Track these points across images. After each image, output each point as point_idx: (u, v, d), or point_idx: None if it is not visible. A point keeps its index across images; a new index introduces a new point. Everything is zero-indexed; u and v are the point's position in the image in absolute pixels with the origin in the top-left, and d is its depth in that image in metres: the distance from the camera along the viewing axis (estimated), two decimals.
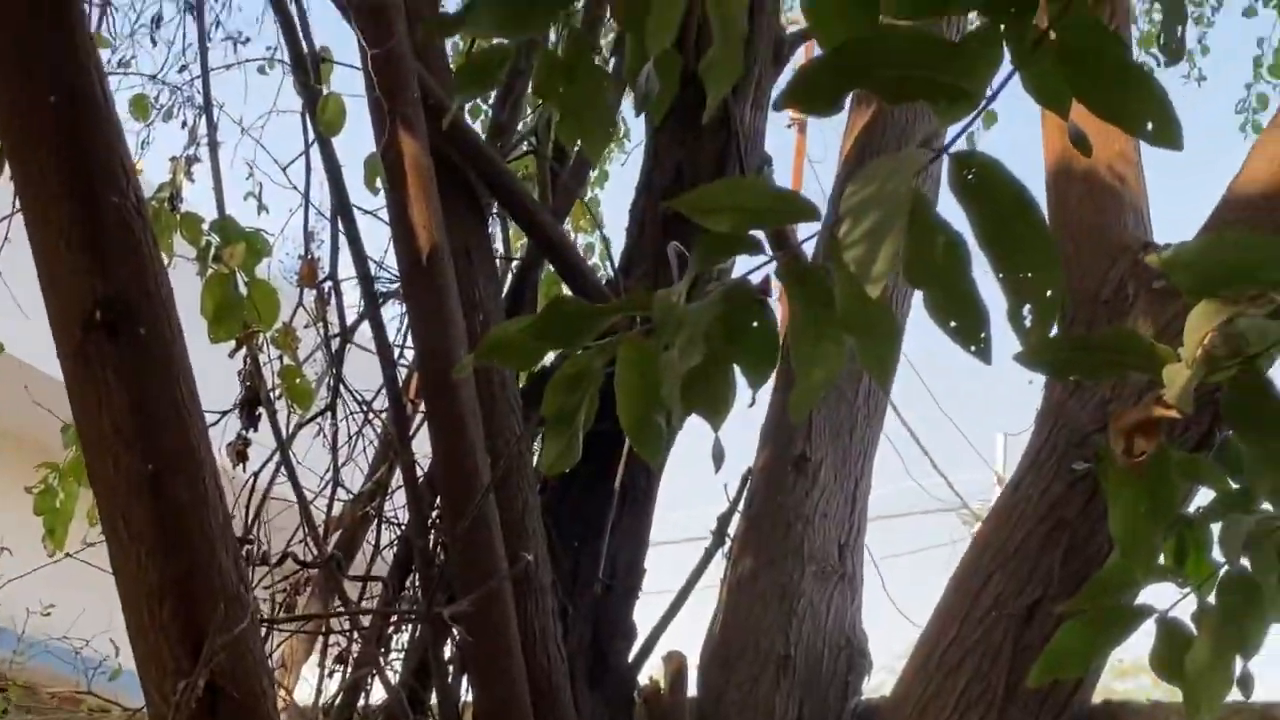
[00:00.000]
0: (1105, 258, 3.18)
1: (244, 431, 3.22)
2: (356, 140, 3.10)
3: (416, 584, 3.19)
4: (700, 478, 3.78)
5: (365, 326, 3.28)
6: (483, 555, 2.70)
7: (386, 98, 2.70)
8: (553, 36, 2.57)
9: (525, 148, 3.78)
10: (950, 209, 1.42)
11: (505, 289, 3.49)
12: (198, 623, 2.03)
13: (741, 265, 1.54)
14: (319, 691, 3.16)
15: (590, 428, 1.65)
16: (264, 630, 2.88)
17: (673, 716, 2.79)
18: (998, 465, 13.93)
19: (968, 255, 1.44)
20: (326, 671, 3.21)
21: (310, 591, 3.46)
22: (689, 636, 3.46)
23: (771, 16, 3.87)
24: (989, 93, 1.38)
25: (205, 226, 3.17)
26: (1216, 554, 1.84)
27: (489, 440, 2.86)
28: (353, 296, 3.42)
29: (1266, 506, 1.75)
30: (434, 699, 3.08)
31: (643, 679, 3.29)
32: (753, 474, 3.60)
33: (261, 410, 3.18)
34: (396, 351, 3.25)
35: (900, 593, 4.57)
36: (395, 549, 3.36)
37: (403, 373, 3.31)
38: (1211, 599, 1.86)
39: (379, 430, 3.52)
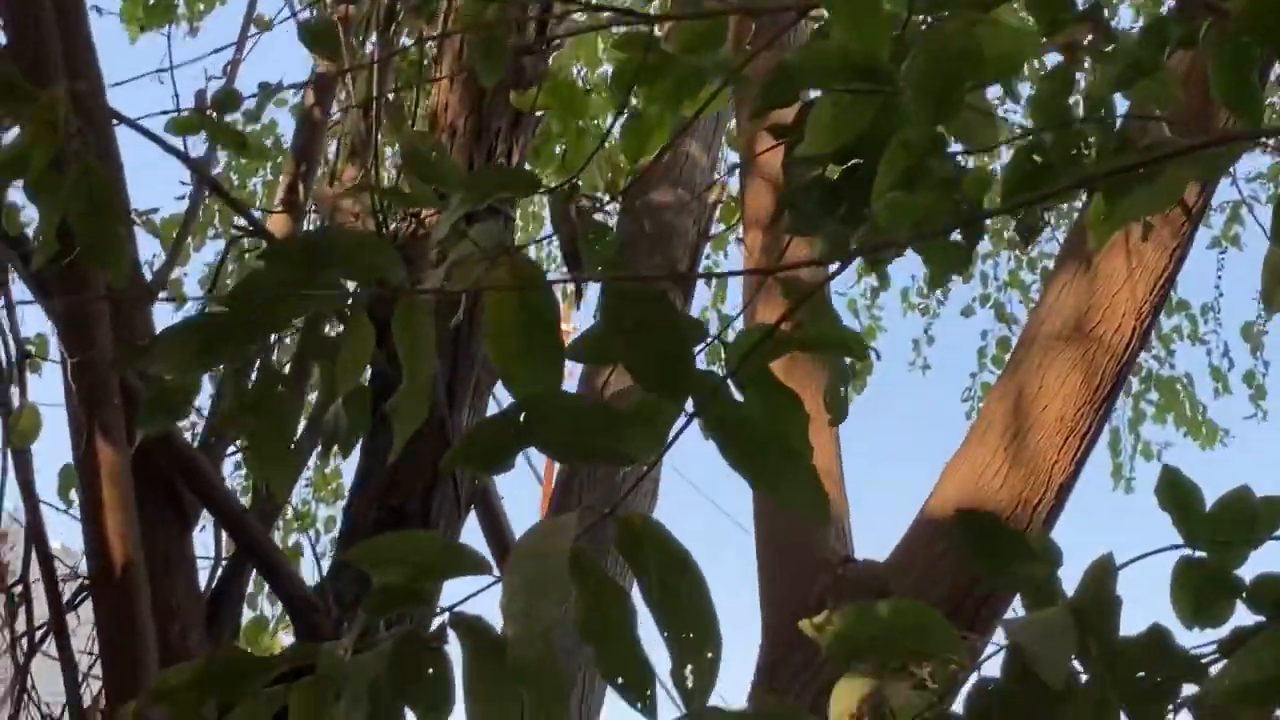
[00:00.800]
0: (806, 573, 3.23)
1: None
2: (61, 439, 3.03)
3: None
4: None
5: None
6: None
7: (85, 406, 2.65)
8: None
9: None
10: None
11: (208, 594, 3.40)
12: None
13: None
14: None
15: None
16: None
17: None
18: None
19: (632, 614, 1.46)
20: None
21: None
22: None
23: None
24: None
25: None
26: None
27: None
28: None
29: None
30: None
31: None
32: None
33: None
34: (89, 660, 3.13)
35: None
36: None
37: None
38: None
39: None
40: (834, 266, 1.93)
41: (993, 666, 1.48)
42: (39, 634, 3.33)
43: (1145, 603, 1.66)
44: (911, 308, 7.75)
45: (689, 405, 1.42)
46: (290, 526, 6.65)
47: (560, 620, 1.35)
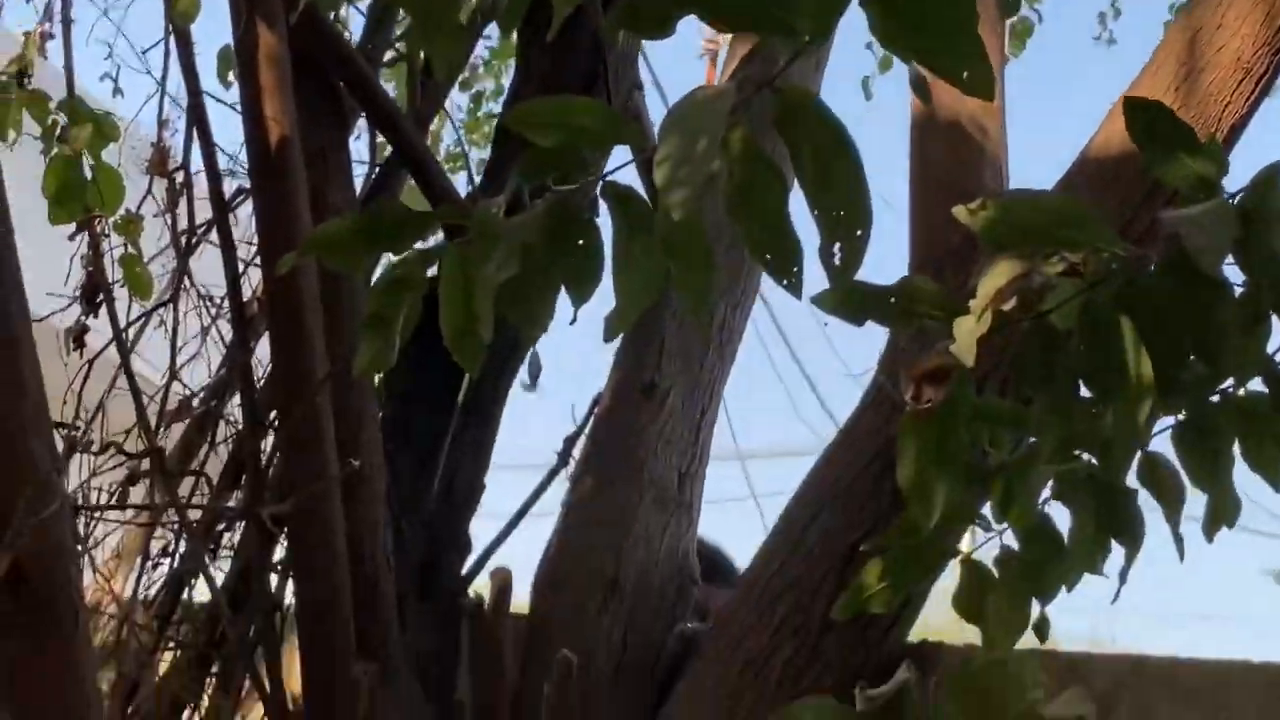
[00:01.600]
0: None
1: (83, 318, 3.17)
2: (221, 27, 3.04)
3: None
4: (554, 404, 3.80)
5: None
6: (312, 458, 2.69)
7: None
8: None
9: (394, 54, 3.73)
10: None
11: (362, 195, 3.46)
12: (1, 507, 2.00)
13: None
14: (138, 584, 3.14)
15: (427, 341, 1.65)
16: (84, 519, 2.85)
17: (493, 631, 2.81)
18: None
19: (785, 191, 1.45)
20: (151, 564, 3.19)
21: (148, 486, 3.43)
22: (529, 559, 3.49)
23: None
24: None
25: (53, 105, 3.10)
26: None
27: (330, 346, 2.84)
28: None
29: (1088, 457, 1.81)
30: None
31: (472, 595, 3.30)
32: (602, 398, 3.62)
33: (102, 297, 3.12)
34: (250, 249, 3.21)
35: None
36: (230, 448, 3.34)
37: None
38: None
39: (225, 329, 3.48)
40: None
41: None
42: (199, 225, 3.41)
43: None
44: None
45: None
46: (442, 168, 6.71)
47: (710, 193, 1.35)
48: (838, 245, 1.38)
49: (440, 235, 1.92)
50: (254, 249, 3.13)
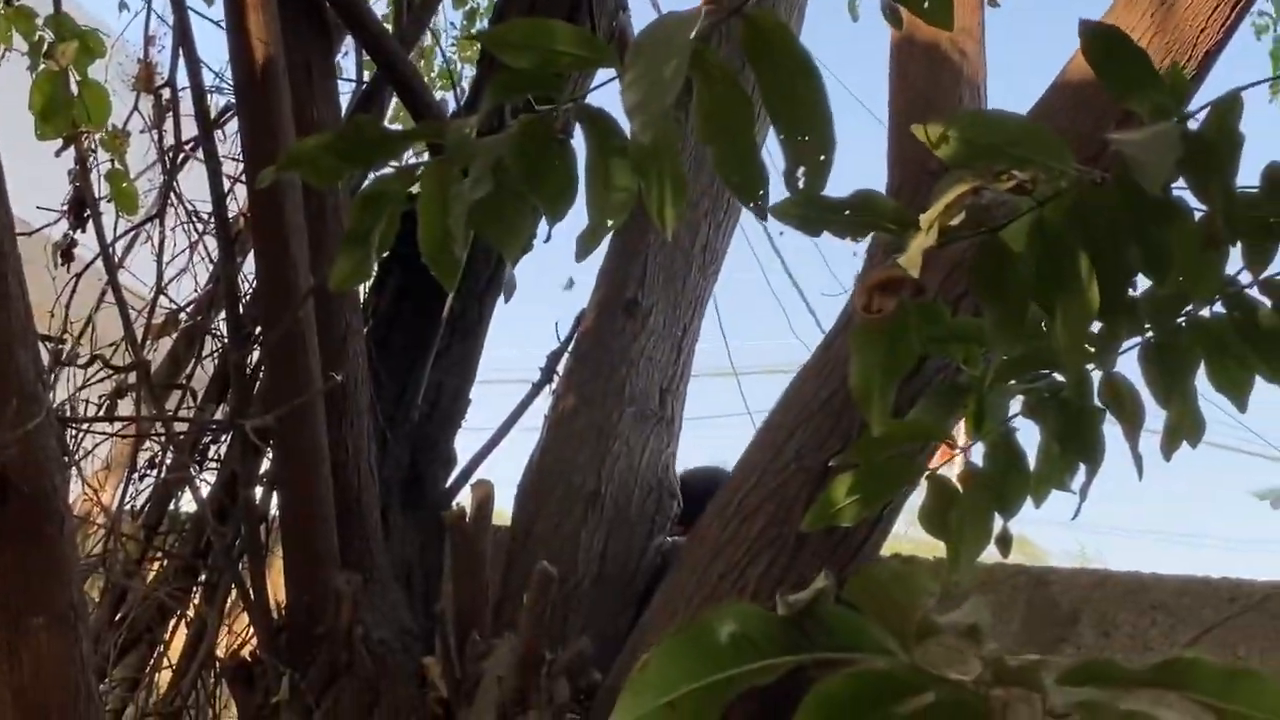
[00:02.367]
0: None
1: (71, 232, 3.20)
2: None
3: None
4: (539, 321, 3.85)
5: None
6: (296, 372, 2.74)
7: None
8: None
9: None
10: None
11: (347, 112, 3.48)
12: None
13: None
14: (122, 495, 3.19)
15: (413, 257, 1.69)
16: (72, 431, 2.90)
17: (474, 543, 2.86)
18: None
19: (752, 114, 1.49)
20: (137, 476, 3.24)
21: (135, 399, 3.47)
22: (512, 472, 3.54)
23: None
24: None
25: (40, 21, 3.11)
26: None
27: (315, 260, 2.88)
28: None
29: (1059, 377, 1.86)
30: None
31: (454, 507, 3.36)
32: (585, 315, 3.66)
33: (89, 212, 3.15)
34: (237, 165, 3.24)
35: None
36: (215, 362, 3.38)
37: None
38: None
39: (212, 244, 3.51)
40: None
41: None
42: (186, 141, 3.44)
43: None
44: None
45: None
46: (432, 85, 6.71)
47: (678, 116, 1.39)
48: (802, 169, 1.42)
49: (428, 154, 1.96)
50: (240, 165, 3.16)
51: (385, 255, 3.56)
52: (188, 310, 3.42)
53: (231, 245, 2.96)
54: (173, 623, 3.30)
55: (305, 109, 3.06)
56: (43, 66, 2.99)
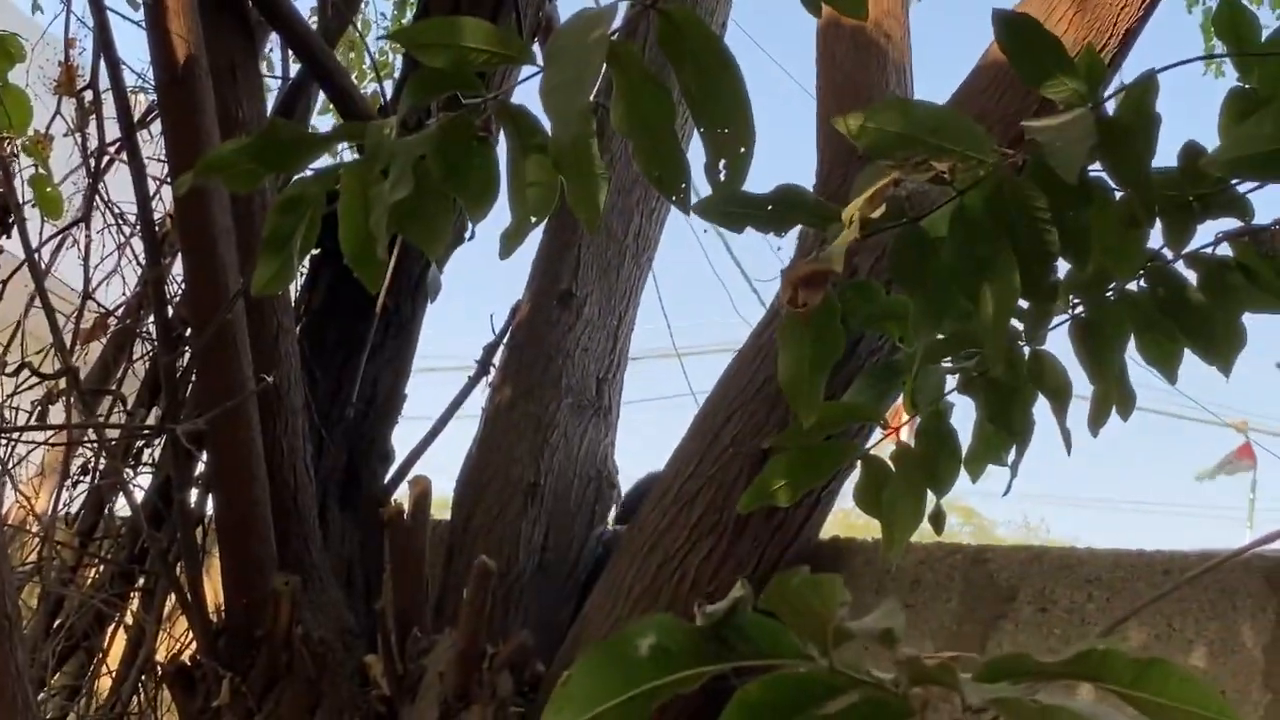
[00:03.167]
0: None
1: None
2: None
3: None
4: (474, 309, 3.84)
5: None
6: (228, 374, 2.72)
7: None
8: None
9: None
10: None
11: (272, 109, 3.45)
12: None
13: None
14: (56, 501, 3.16)
15: (342, 254, 1.68)
16: (5, 440, 2.87)
17: (413, 538, 2.85)
18: None
19: (672, 109, 1.49)
20: (70, 483, 3.21)
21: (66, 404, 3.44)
22: (451, 463, 3.53)
23: None
24: None
25: None
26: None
27: (243, 261, 2.86)
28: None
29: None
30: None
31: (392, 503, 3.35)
32: (520, 307, 3.65)
33: (14, 219, 3.11)
34: (160, 167, 3.21)
35: None
36: (146, 365, 3.35)
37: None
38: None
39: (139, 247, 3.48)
40: None
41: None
42: (110, 143, 3.40)
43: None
44: None
45: None
46: (364, 76, 6.66)
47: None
48: (723, 162, 1.42)
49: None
50: (165, 166, 3.13)
51: (316, 253, 3.56)
52: (116, 314, 3.39)
53: (158, 247, 2.93)
54: (111, 629, 3.27)
55: (230, 107, 3.04)
56: None
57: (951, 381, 1.95)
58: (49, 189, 3.17)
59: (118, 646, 3.28)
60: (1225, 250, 1.72)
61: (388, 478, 3.52)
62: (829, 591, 0.74)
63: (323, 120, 5.02)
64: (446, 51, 1.47)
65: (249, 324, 2.83)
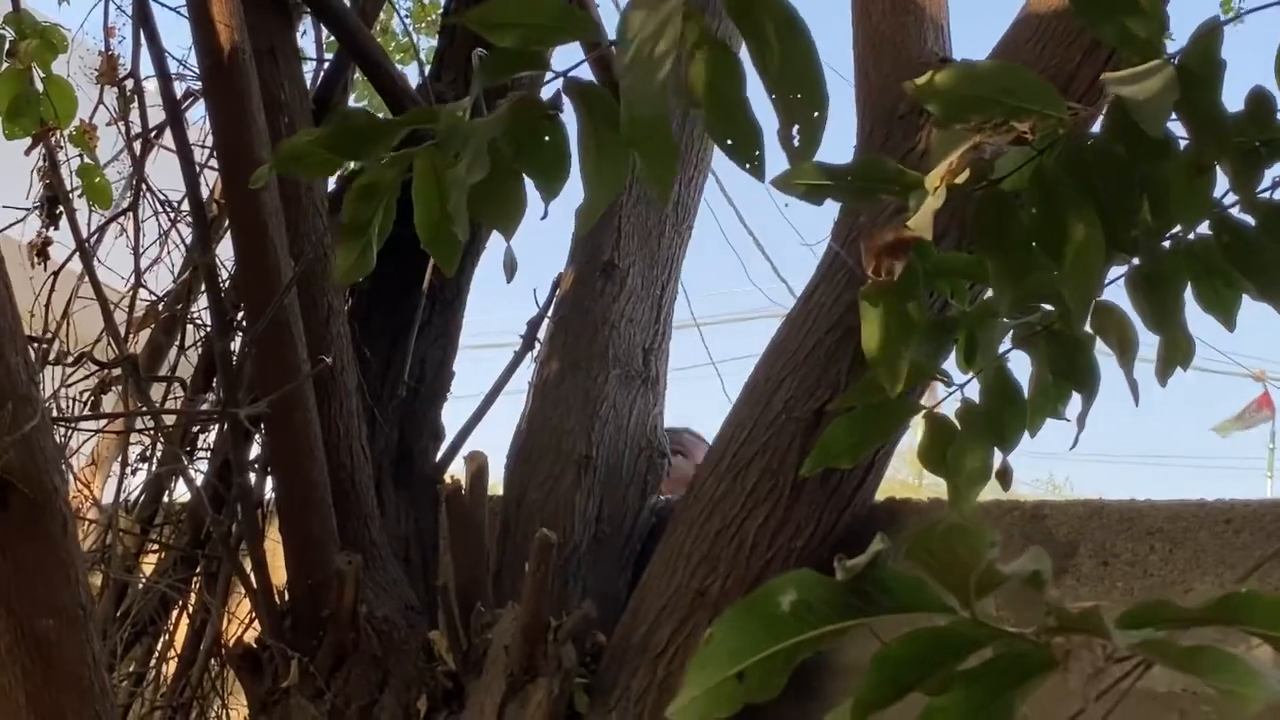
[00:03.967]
0: (902, 73, 3.23)
1: (44, 230, 3.18)
2: None
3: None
4: (514, 283, 3.85)
5: None
6: (283, 357, 2.74)
7: None
8: None
9: None
10: None
11: (312, 91, 3.46)
12: None
13: None
14: (119, 489, 3.19)
15: (390, 233, 1.69)
16: (63, 429, 2.90)
17: (472, 514, 2.87)
18: None
19: (743, 74, 1.50)
20: (129, 470, 3.23)
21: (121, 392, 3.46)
22: (499, 439, 3.55)
23: None
24: None
25: None
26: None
27: (292, 243, 2.87)
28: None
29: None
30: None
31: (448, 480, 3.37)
32: (562, 279, 3.66)
33: (62, 209, 3.14)
34: (204, 153, 3.22)
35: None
36: (200, 351, 3.37)
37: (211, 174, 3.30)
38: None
39: (185, 232, 3.51)
40: None
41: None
42: (153, 129, 3.42)
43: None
44: None
45: None
46: (391, 58, 6.68)
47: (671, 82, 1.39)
48: (795, 128, 1.43)
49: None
50: (209, 151, 3.15)
51: None
52: (166, 300, 3.41)
53: (208, 232, 2.95)
54: (176, 614, 3.30)
55: (274, 91, 3.05)
56: (5, 66, 2.97)
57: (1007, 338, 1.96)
58: (97, 179, 3.19)
59: (183, 631, 3.31)
60: None
61: (439, 456, 3.54)
62: (977, 540, 0.75)
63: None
64: (516, 30, 1.48)
65: (300, 306, 2.84)
